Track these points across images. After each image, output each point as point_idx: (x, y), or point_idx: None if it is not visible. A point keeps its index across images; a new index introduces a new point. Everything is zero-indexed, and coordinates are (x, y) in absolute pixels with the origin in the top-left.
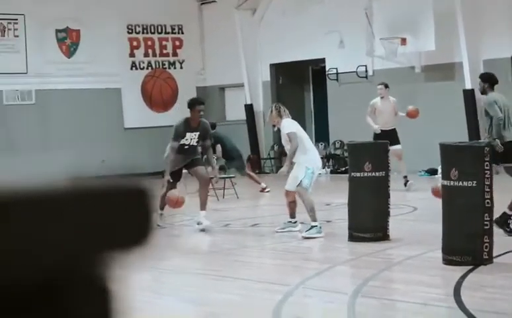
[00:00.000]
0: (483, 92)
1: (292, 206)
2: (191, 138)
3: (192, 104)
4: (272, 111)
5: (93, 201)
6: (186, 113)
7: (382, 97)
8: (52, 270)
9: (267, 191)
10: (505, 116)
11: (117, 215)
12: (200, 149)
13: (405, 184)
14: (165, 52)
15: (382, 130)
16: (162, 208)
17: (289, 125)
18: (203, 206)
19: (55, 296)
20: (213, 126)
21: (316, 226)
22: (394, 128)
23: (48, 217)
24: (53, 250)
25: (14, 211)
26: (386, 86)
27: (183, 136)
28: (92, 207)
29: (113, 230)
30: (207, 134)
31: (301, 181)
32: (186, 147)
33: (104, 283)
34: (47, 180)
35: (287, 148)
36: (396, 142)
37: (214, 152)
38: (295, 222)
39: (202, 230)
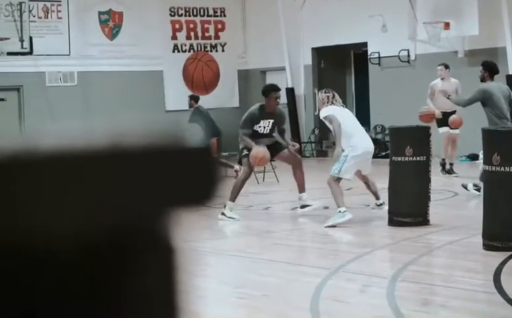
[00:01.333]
0: (483, 80)
1: (369, 188)
2: (265, 125)
3: (267, 91)
4: (319, 96)
5: (155, 158)
6: (227, 96)
7: (442, 79)
8: (115, 230)
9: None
10: (503, 107)
11: (180, 173)
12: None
13: (449, 171)
14: (207, 34)
15: (442, 113)
16: (234, 199)
17: (325, 110)
18: (301, 188)
19: (120, 256)
20: (197, 99)
21: (340, 212)
22: (455, 111)
23: (109, 175)
24: (115, 208)
25: (76, 169)
26: (446, 67)
27: (257, 123)
28: (154, 164)
29: (176, 188)
30: (283, 122)
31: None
32: (260, 133)
33: (168, 242)
34: (108, 138)
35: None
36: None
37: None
38: (380, 204)
39: (302, 207)
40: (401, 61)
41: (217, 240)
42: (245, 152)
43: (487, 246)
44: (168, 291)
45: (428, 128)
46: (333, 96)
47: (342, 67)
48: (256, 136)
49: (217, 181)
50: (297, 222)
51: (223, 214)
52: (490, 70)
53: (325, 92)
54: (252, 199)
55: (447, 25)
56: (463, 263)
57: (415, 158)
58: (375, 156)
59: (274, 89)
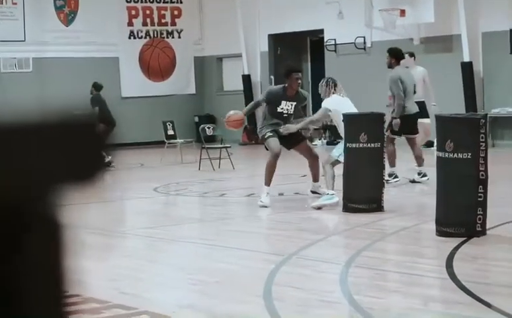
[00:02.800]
0: (390, 66)
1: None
2: (287, 107)
3: (288, 72)
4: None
5: (38, 135)
6: (183, 83)
7: (407, 67)
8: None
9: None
10: (409, 91)
11: (68, 148)
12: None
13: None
14: (163, 21)
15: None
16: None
17: (327, 101)
18: (316, 178)
19: (4, 226)
20: (99, 87)
21: (328, 194)
22: (423, 101)
23: None
24: None
25: None
26: (411, 55)
27: (278, 104)
28: (37, 141)
29: (63, 163)
30: (303, 104)
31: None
32: (284, 115)
33: (55, 215)
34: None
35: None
36: (425, 114)
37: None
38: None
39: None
40: (357, 48)
41: (173, 226)
42: (268, 134)
43: (440, 232)
44: (54, 267)
45: (382, 114)
46: (335, 86)
47: (299, 54)
48: (279, 118)
49: (101, 162)
50: (252, 209)
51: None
52: (396, 56)
53: (325, 83)
54: (207, 185)
55: (403, 12)
56: (416, 249)
57: (369, 144)
58: (331, 143)
59: (295, 69)
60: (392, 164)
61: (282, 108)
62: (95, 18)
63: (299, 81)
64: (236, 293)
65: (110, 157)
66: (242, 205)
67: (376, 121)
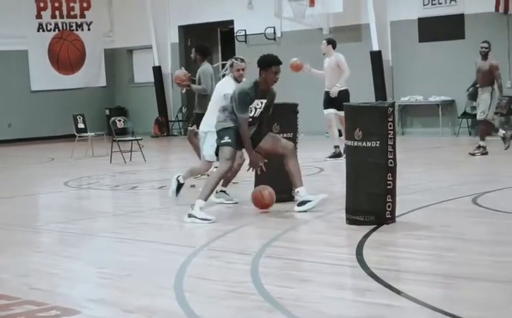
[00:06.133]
0: (196, 61)
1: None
2: (256, 107)
3: (268, 63)
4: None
5: None
6: (93, 75)
7: (323, 54)
8: None
9: None
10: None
11: None
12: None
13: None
14: (72, 13)
15: (326, 92)
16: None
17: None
18: (299, 181)
19: None
20: None
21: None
22: (338, 88)
23: None
24: None
25: None
26: (329, 42)
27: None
28: None
29: None
30: (272, 104)
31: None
32: (249, 119)
33: None
34: None
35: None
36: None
37: None
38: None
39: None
40: (267, 38)
41: (84, 220)
42: (226, 139)
43: (350, 220)
44: None
45: (295, 105)
46: (226, 67)
47: (210, 45)
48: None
49: None
50: (164, 202)
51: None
52: (203, 52)
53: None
54: (119, 178)
55: (312, 2)
56: (326, 237)
57: (282, 134)
58: None
59: (276, 61)
60: None
61: (250, 107)
62: (3, 10)
63: (277, 76)
64: (147, 286)
65: None
66: (154, 198)
67: (289, 111)
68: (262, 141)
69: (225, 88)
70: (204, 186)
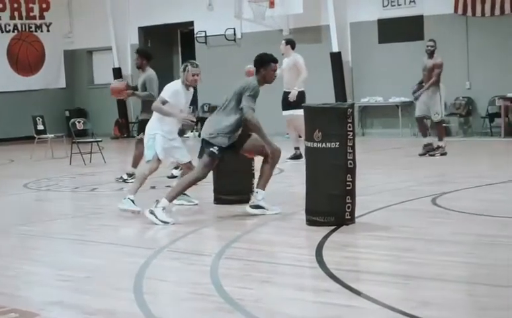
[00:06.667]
0: (141, 67)
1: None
2: None
3: (267, 61)
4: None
5: None
6: (53, 76)
7: (282, 54)
8: None
9: None
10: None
11: None
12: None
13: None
14: (31, 14)
15: (284, 92)
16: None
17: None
18: (264, 185)
19: None
20: None
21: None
22: (297, 91)
23: None
24: None
25: None
26: (288, 42)
27: None
28: None
29: None
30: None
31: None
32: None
33: None
34: None
35: None
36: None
37: None
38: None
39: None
40: (228, 39)
41: (43, 222)
42: (215, 149)
43: (310, 221)
44: None
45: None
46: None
47: (170, 46)
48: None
49: None
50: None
51: None
52: (147, 57)
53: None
54: (78, 180)
55: (272, 4)
56: (286, 238)
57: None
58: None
59: (274, 59)
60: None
61: None
62: None
63: (276, 74)
64: (106, 288)
65: None
66: (113, 199)
67: None
68: (251, 139)
69: (166, 94)
70: (173, 187)
